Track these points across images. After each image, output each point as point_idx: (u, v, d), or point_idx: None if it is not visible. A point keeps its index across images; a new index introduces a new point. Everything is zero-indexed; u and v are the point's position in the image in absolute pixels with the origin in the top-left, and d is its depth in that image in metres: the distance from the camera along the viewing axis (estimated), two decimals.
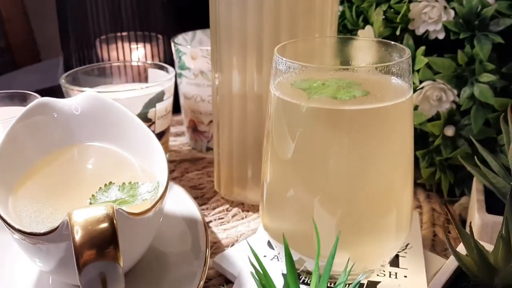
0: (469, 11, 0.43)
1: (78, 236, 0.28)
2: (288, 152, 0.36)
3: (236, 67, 0.46)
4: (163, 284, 0.38)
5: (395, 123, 0.34)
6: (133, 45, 0.69)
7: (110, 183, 0.40)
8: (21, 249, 0.36)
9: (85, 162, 0.45)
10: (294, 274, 0.28)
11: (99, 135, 0.46)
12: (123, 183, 0.39)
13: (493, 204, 0.40)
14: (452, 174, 0.48)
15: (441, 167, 0.48)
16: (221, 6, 0.45)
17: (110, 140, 0.45)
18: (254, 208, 0.51)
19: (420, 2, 0.45)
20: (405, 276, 0.39)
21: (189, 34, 0.64)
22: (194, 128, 0.62)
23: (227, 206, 0.51)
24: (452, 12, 0.44)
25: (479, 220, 0.38)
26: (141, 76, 0.60)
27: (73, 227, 0.28)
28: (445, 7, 0.45)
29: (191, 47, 0.59)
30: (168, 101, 0.55)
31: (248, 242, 0.33)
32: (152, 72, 0.60)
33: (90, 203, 0.38)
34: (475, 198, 0.41)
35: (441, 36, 0.45)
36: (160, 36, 0.72)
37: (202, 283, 0.37)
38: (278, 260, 0.40)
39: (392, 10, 0.48)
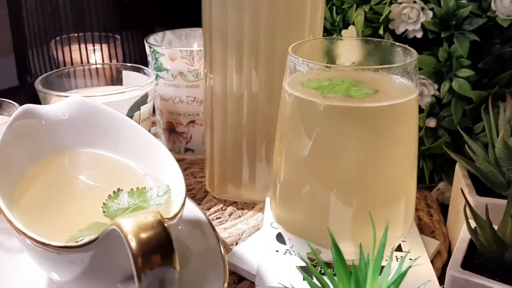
0: (447, 12, 0.47)
1: (134, 243, 0.27)
2: (305, 149, 0.37)
3: (230, 67, 0.46)
4: None
5: (407, 119, 0.37)
6: (97, 46, 0.67)
7: (119, 189, 0.39)
8: (39, 262, 0.35)
9: (79, 169, 0.43)
10: (344, 263, 0.29)
11: (90, 140, 0.45)
12: (131, 189, 0.39)
13: (478, 188, 0.44)
14: (431, 163, 0.52)
15: (423, 156, 0.51)
16: (215, 7, 0.45)
17: (102, 145, 0.44)
18: (248, 206, 0.52)
19: (400, 4, 0.49)
20: (410, 259, 0.42)
21: (159, 34, 0.63)
22: (171, 130, 0.62)
23: (221, 205, 0.52)
24: (430, 13, 0.48)
25: (472, 202, 0.42)
26: (115, 78, 0.59)
27: (127, 235, 0.28)
28: (422, 8, 0.48)
29: (165, 48, 0.58)
30: (150, 104, 0.55)
31: (308, 243, 0.34)
32: (126, 74, 0.59)
33: (104, 211, 0.37)
34: (463, 183, 0.45)
35: (419, 35, 0.49)
36: (117, 37, 0.70)
37: (226, 284, 0.37)
38: (291, 254, 0.42)
39: (372, 11, 0.51)
